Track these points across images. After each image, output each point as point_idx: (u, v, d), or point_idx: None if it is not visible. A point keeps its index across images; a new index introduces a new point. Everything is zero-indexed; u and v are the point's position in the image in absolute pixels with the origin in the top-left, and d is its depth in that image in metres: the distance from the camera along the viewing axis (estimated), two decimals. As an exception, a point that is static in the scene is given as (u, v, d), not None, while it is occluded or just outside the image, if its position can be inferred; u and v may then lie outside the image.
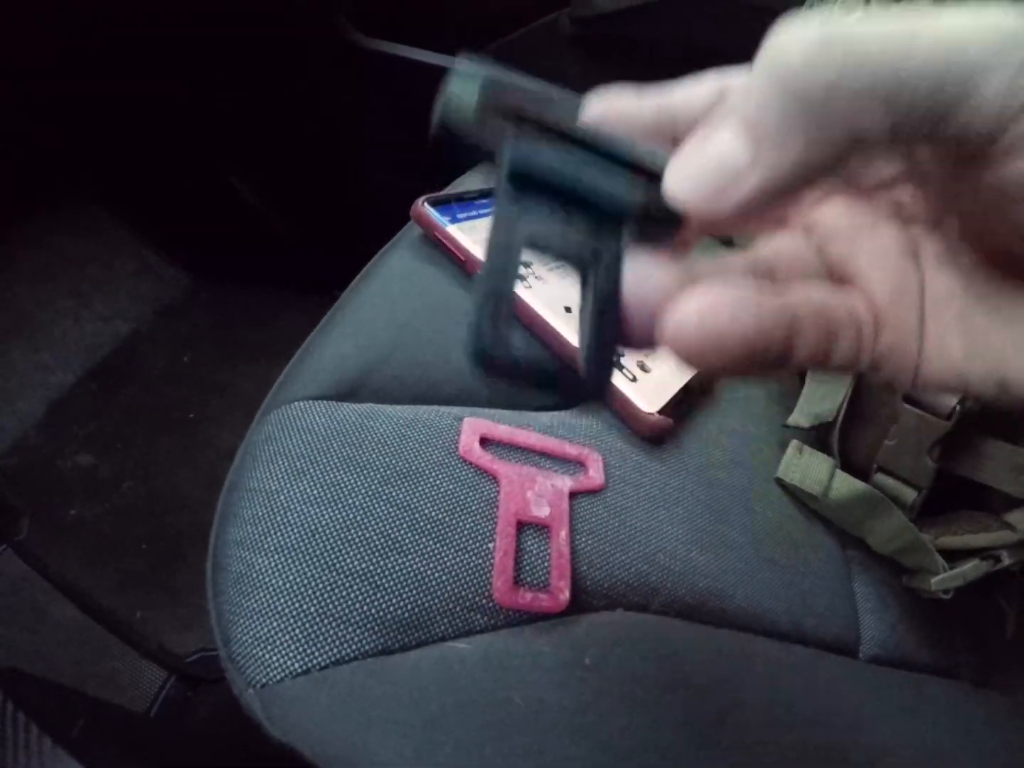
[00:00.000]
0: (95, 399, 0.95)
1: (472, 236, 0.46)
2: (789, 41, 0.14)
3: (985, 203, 0.15)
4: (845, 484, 0.43)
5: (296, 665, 0.29)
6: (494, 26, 0.86)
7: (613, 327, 0.15)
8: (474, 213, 0.48)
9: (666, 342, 0.15)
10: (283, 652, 0.29)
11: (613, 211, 0.16)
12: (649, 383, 0.43)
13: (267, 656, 0.29)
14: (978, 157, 0.14)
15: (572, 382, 0.15)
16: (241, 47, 0.86)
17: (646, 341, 0.16)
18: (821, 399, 0.45)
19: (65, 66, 0.88)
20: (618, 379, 0.42)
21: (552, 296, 0.44)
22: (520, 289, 0.44)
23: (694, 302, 0.15)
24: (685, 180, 0.16)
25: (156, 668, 0.71)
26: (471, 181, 0.56)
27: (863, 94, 0.13)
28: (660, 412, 0.41)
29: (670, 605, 0.35)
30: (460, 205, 0.48)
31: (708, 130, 0.15)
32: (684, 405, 0.44)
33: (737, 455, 0.45)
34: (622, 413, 0.42)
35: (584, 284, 0.16)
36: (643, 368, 0.43)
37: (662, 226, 0.17)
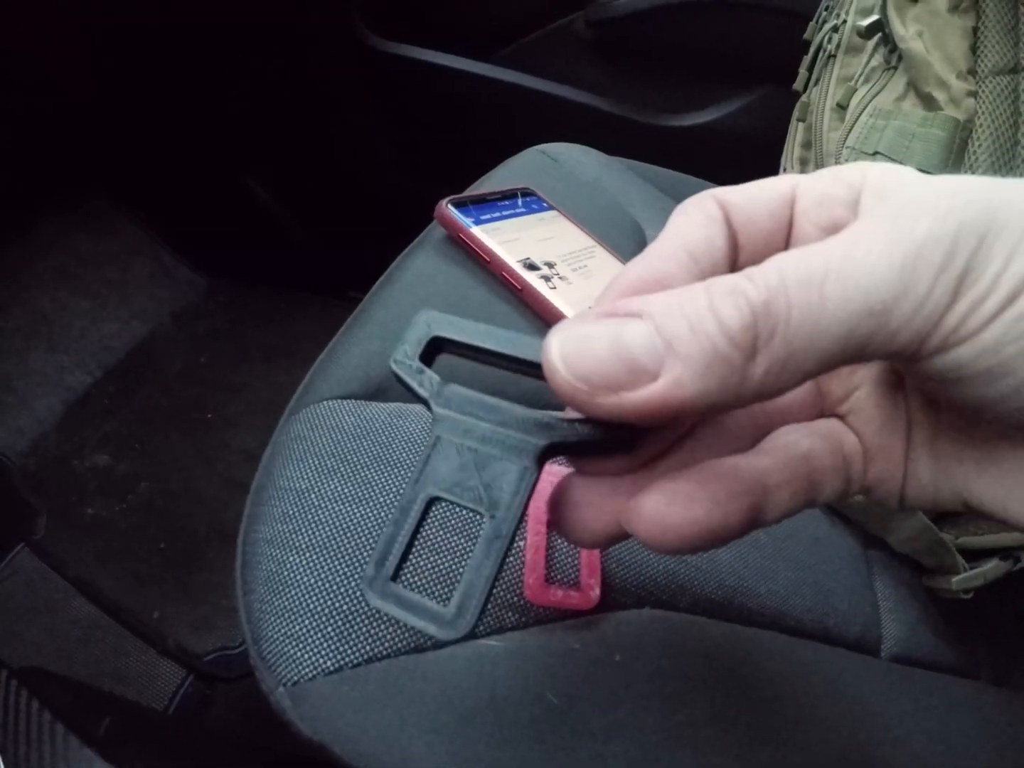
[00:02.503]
0: (112, 400, 0.95)
1: (495, 237, 0.46)
2: (727, 313, 0.13)
3: (922, 383, 0.16)
4: (867, 484, 0.43)
5: (328, 663, 0.29)
6: (510, 28, 0.87)
7: (498, 562, 0.15)
8: (497, 214, 0.48)
9: (634, 530, 0.15)
10: (315, 650, 0.30)
11: (523, 453, 0.16)
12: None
13: (298, 654, 0.30)
14: (904, 359, 0.14)
15: (444, 620, 0.15)
16: (257, 49, 0.87)
17: (593, 538, 0.17)
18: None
19: (82, 68, 0.89)
20: None
21: (576, 296, 0.45)
22: (545, 289, 0.44)
23: (650, 499, 0.15)
24: (575, 354, 0.13)
25: (174, 666, 0.71)
26: (492, 183, 0.56)
27: (780, 364, 0.13)
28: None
29: (697, 603, 0.35)
30: (483, 207, 0.49)
31: (617, 314, 0.14)
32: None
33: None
34: None
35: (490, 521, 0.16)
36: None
37: (591, 450, 0.16)
